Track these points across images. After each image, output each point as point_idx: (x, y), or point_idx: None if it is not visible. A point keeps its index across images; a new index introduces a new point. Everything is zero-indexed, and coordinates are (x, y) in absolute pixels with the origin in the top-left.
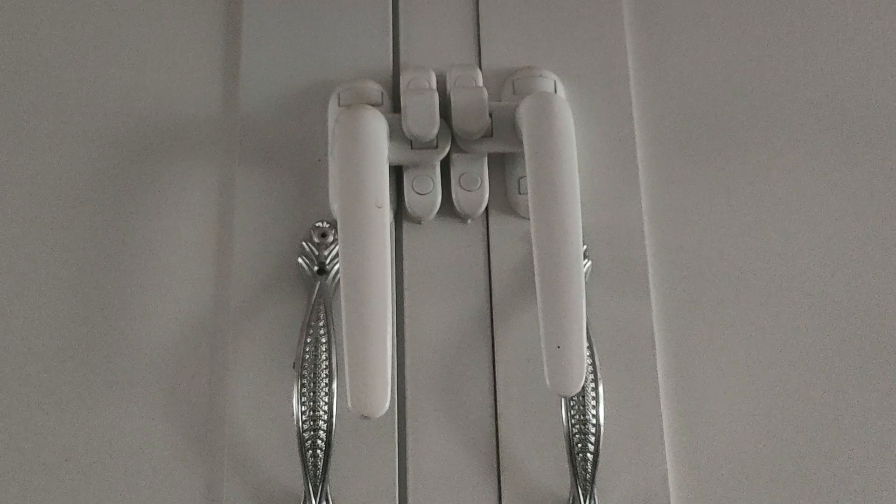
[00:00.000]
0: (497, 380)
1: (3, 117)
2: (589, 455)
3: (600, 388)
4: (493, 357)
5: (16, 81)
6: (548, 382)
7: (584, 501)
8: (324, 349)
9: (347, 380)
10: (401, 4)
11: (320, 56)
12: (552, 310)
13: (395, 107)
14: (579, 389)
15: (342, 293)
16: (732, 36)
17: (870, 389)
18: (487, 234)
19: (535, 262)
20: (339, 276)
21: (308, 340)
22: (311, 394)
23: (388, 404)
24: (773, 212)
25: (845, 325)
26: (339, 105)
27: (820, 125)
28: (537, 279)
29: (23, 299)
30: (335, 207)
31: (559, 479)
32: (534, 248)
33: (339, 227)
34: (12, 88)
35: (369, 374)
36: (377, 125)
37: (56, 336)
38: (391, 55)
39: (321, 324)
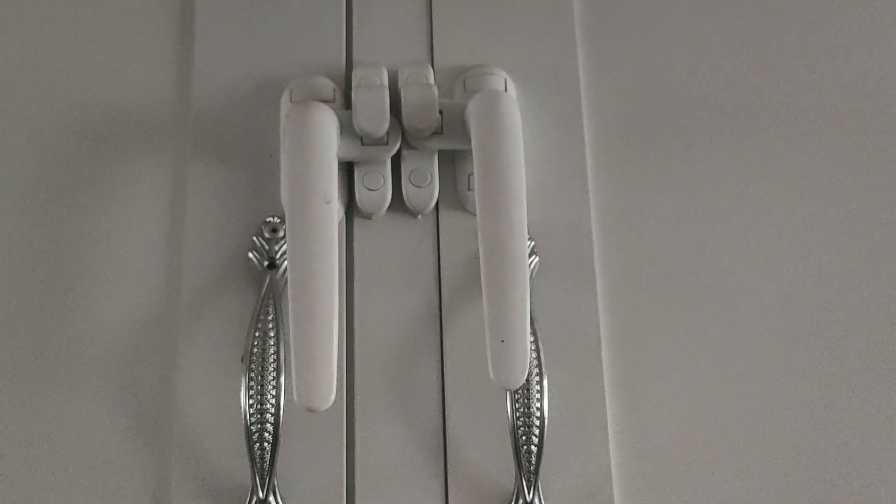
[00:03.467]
0: (445, 374)
1: None
2: (533, 447)
3: (545, 382)
4: (442, 351)
5: None
6: (492, 376)
7: (529, 493)
8: (272, 343)
9: (293, 373)
10: (354, 2)
11: (273, 52)
12: (496, 304)
13: (347, 103)
14: (522, 383)
15: (289, 287)
16: (681, 34)
17: (813, 382)
18: (437, 229)
19: (481, 257)
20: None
21: (257, 334)
22: (259, 387)
23: (332, 398)
24: (719, 208)
25: (789, 319)
26: (290, 101)
27: (768, 121)
28: (483, 274)
29: None
30: (285, 203)
31: (505, 470)
32: (479, 244)
33: (287, 221)
34: None
35: (315, 368)
36: (327, 121)
37: (6, 328)
38: (344, 52)
39: (270, 318)
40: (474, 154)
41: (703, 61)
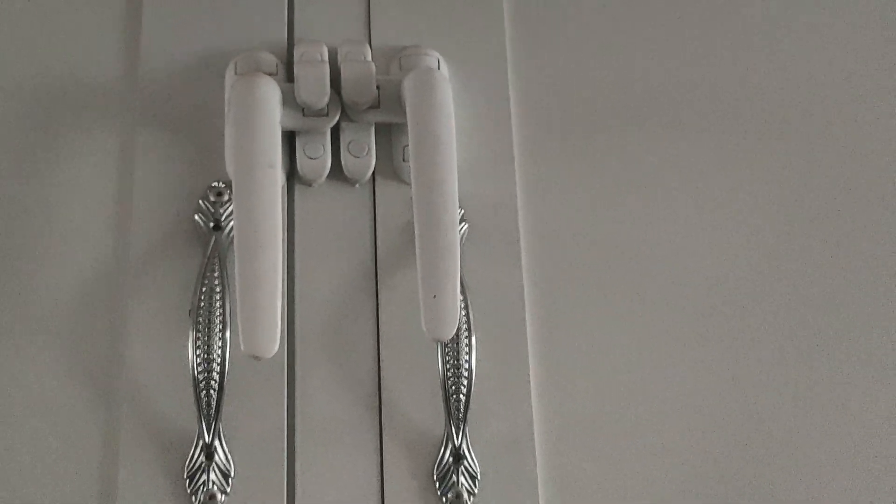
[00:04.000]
0: (380, 330)
1: None
2: (462, 397)
3: (473, 339)
4: (377, 309)
5: None
6: (424, 329)
7: (457, 438)
8: (218, 299)
9: (239, 323)
10: None
11: (219, 27)
12: (429, 263)
13: (290, 77)
14: (452, 335)
15: (235, 244)
16: (608, 22)
17: (723, 348)
18: (374, 197)
19: (415, 221)
20: (233, 231)
21: (203, 290)
22: (206, 339)
23: (276, 347)
24: (637, 188)
25: (701, 290)
26: (235, 73)
27: (687, 110)
28: (416, 236)
29: None
30: (230, 169)
31: (435, 419)
32: (414, 208)
33: (233, 185)
34: None
35: (260, 317)
36: (270, 91)
37: None
38: (286, 29)
39: (216, 275)
40: (409, 127)
41: (629, 49)
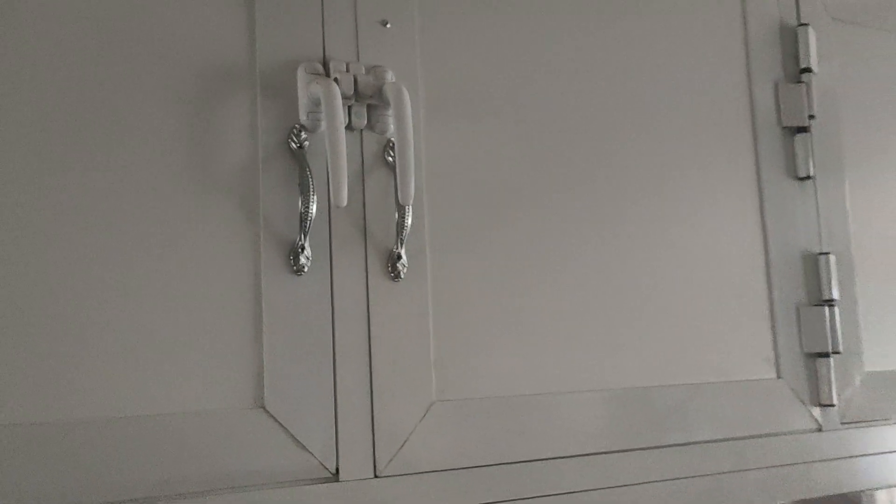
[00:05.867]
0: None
1: None
2: None
3: None
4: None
5: None
6: (400, 199)
7: None
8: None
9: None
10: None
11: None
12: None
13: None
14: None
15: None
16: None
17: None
18: (362, 142)
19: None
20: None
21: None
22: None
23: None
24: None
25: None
26: (305, 72)
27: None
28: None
29: None
30: (303, 117)
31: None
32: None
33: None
34: None
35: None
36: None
37: None
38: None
39: (307, 173)
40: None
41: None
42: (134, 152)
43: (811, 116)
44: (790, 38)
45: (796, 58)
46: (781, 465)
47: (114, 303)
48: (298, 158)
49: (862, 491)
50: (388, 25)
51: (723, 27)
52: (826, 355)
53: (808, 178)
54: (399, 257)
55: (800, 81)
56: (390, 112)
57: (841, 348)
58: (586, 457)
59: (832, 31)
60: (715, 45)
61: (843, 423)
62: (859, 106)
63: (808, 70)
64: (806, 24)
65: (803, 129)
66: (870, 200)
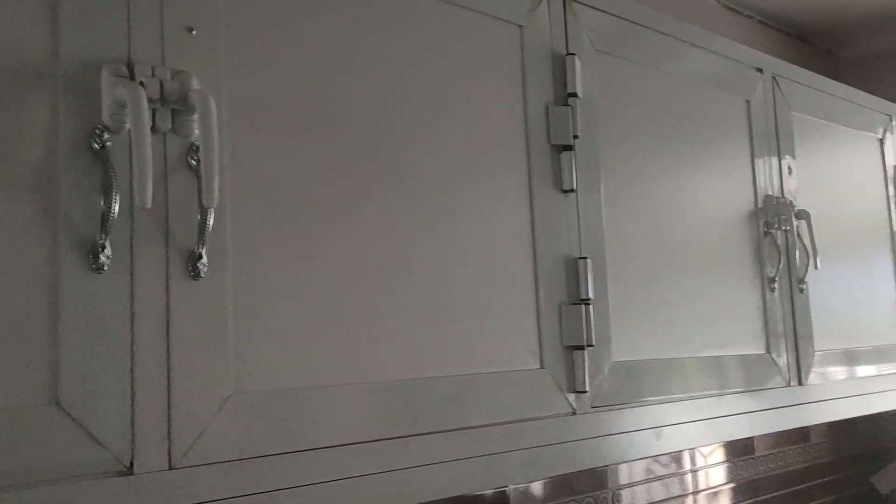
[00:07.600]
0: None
1: None
2: None
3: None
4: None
5: None
6: (204, 201)
7: None
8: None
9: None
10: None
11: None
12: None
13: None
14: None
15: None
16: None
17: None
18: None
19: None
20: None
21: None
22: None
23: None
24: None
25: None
26: (110, 74)
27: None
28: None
29: None
30: (107, 119)
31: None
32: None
33: (132, 129)
34: None
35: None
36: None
37: None
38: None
39: (109, 172)
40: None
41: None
42: None
43: (575, 136)
44: (560, 66)
45: (564, 83)
46: (542, 446)
47: None
48: (101, 159)
49: (607, 465)
50: (194, 32)
51: (503, 52)
52: (581, 348)
53: (572, 190)
54: (200, 257)
55: (566, 104)
56: (195, 117)
57: (594, 341)
58: (370, 443)
59: (595, 61)
60: (496, 67)
61: (592, 407)
62: (615, 127)
63: (574, 95)
64: (573, 54)
65: (569, 148)
66: (621, 211)
